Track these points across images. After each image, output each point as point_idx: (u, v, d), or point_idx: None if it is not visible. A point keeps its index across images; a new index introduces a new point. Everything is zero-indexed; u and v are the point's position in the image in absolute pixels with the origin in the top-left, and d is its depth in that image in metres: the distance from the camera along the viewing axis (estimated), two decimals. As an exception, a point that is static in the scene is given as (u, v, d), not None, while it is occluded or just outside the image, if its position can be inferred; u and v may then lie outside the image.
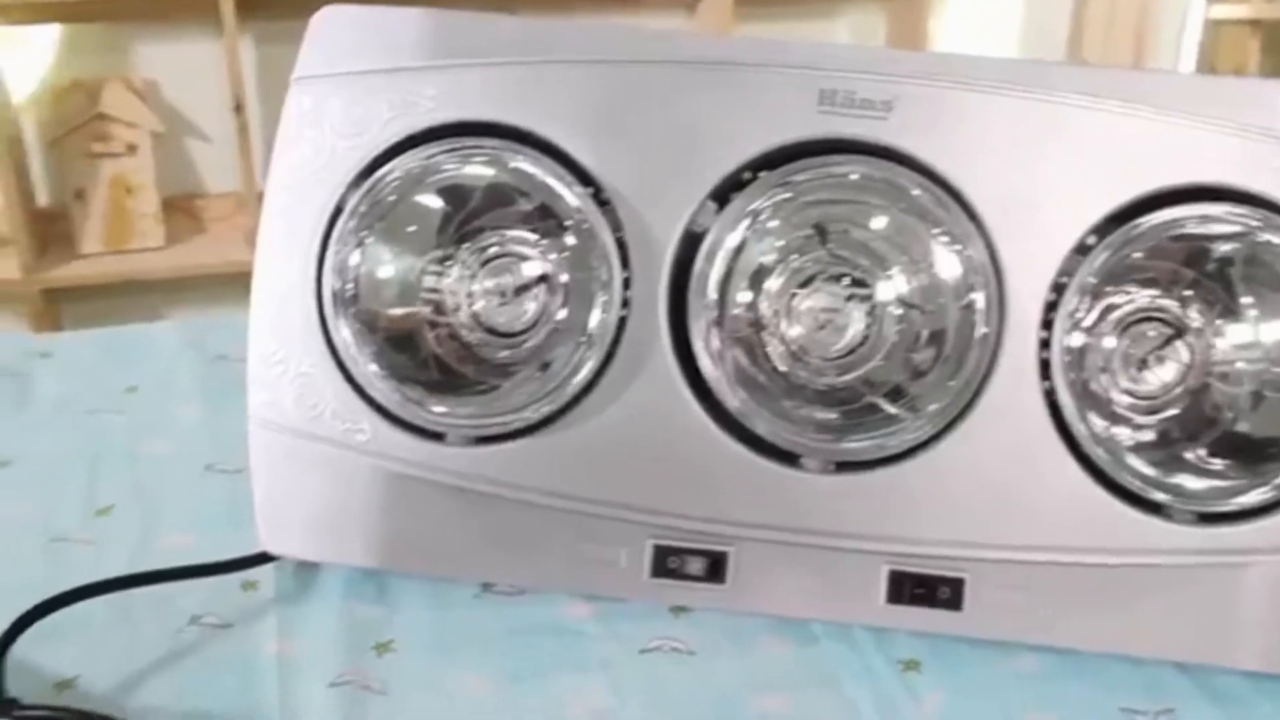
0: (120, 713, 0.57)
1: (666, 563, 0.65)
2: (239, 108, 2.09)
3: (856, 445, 0.63)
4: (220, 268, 2.17)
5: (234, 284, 2.21)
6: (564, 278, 0.65)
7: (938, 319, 0.63)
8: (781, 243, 0.64)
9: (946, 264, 0.62)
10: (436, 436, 0.65)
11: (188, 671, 0.64)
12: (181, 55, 2.19)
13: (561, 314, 0.65)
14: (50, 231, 2.18)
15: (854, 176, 0.63)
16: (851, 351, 0.64)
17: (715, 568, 0.65)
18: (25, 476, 0.79)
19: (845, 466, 0.63)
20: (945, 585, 0.63)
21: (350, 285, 0.64)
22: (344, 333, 0.65)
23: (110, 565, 0.69)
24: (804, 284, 0.64)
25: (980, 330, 0.61)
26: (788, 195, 0.63)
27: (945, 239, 0.62)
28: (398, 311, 0.65)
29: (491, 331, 0.66)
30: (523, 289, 0.66)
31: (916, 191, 0.62)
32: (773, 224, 0.63)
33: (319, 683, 0.63)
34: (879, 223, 0.63)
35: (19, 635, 0.63)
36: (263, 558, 0.68)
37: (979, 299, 0.61)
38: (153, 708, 0.61)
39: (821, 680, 0.63)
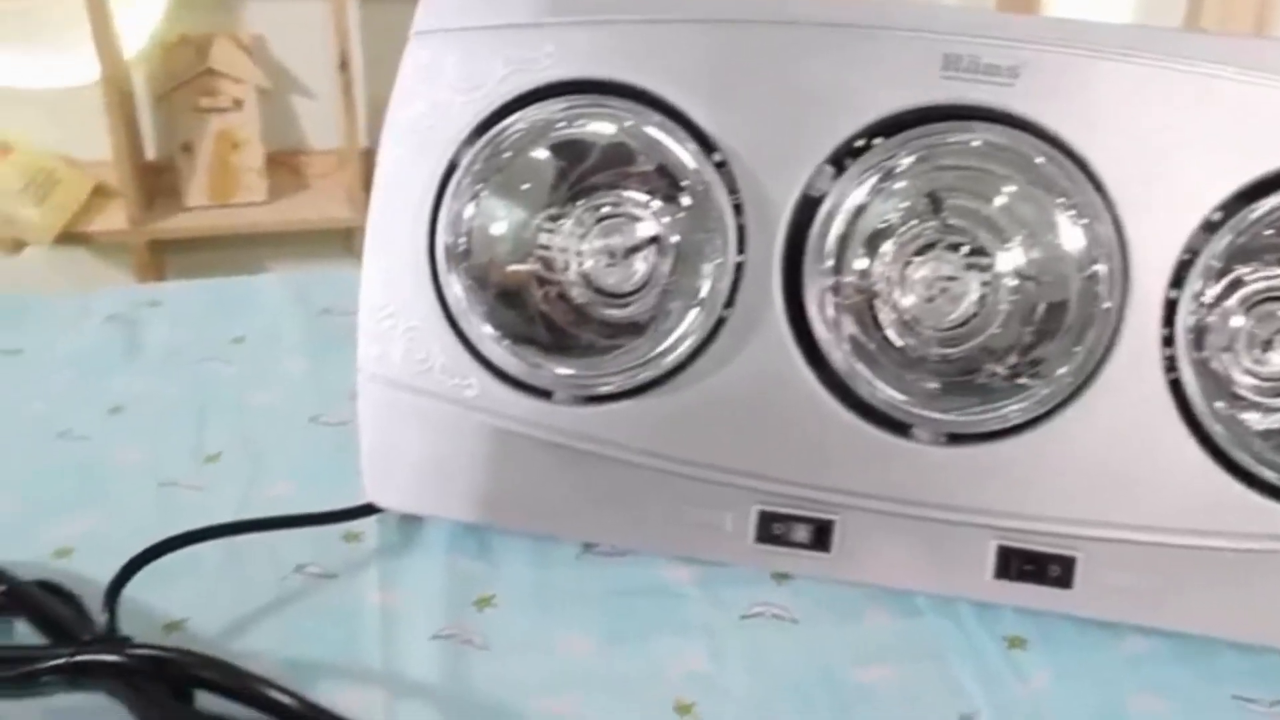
0: (227, 656, 0.58)
1: (771, 529, 0.64)
2: (344, 65, 2.11)
3: (969, 417, 0.62)
4: (321, 223, 2.20)
5: (334, 240, 2.25)
6: (675, 239, 0.65)
7: (1058, 290, 0.61)
8: (899, 210, 0.63)
9: (1070, 236, 0.61)
10: (544, 394, 0.65)
11: (292, 619, 0.64)
12: (289, 12, 2.21)
13: (672, 276, 0.65)
14: (157, 184, 2.22)
15: (976, 144, 0.61)
16: (965, 323, 0.63)
17: (820, 536, 0.64)
18: (136, 422, 0.80)
19: (957, 438, 0.62)
20: (1055, 563, 0.62)
21: (463, 240, 0.65)
22: (455, 288, 0.65)
23: (218, 512, 0.70)
24: (919, 252, 0.63)
25: (1104, 304, 0.60)
26: (907, 161, 0.61)
27: (1070, 210, 0.60)
28: (509, 268, 0.65)
29: (600, 292, 0.66)
30: (633, 250, 0.65)
31: (1041, 160, 0.60)
32: (891, 190, 0.62)
33: (421, 635, 0.63)
34: (1000, 192, 0.62)
35: (131, 577, 0.64)
36: (367, 509, 0.69)
37: (1103, 271, 0.60)
38: (258, 652, 0.61)
39: (925, 654, 0.63)
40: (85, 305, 0.94)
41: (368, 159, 2.19)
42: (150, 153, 2.24)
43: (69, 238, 2.16)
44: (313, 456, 0.77)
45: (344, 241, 2.24)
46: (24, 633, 0.62)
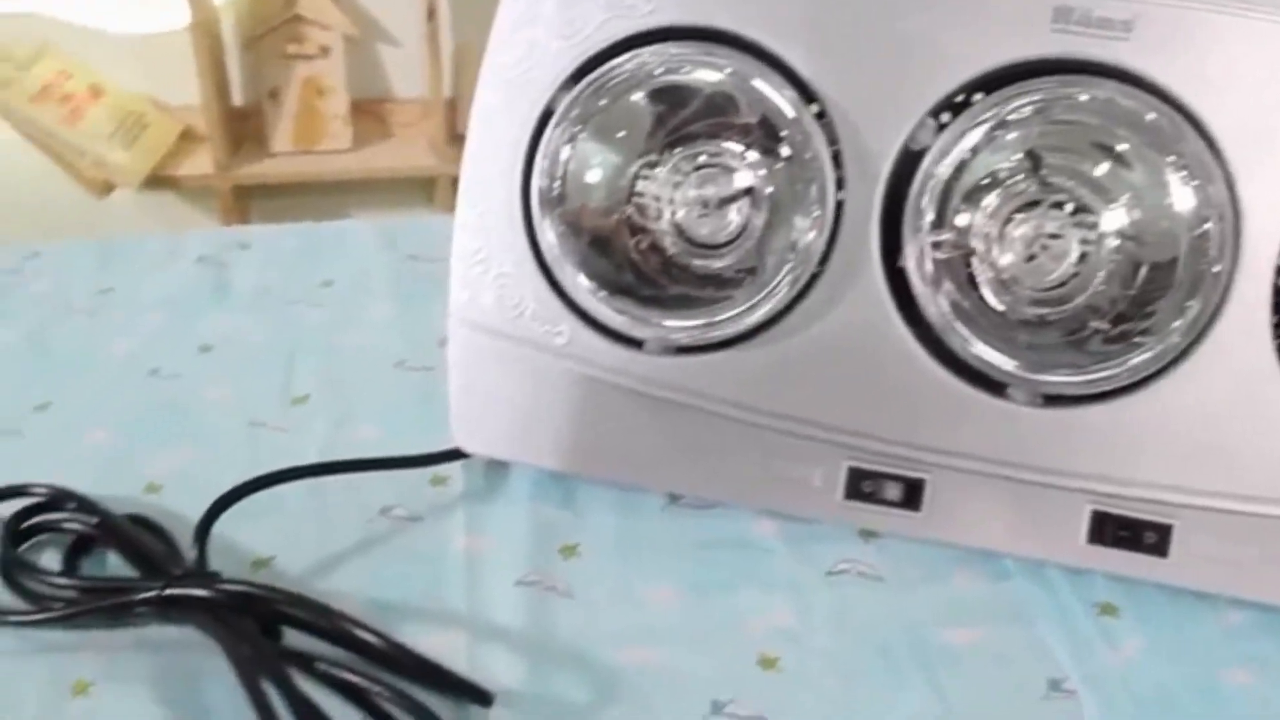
0: (313, 595, 0.58)
1: (861, 486, 0.63)
2: (431, 13, 2.10)
3: (1067, 379, 0.60)
4: (404, 172, 2.21)
5: (416, 189, 2.26)
6: (771, 190, 0.64)
7: (1164, 250, 0.59)
8: (1002, 166, 0.61)
9: (1180, 196, 0.59)
10: (635, 343, 0.64)
11: (377, 560, 0.65)
12: (376, -41, 2.22)
13: (767, 228, 0.64)
14: (243, 129, 2.23)
15: (1085, 99, 0.59)
16: (1063, 283, 0.61)
17: (911, 494, 0.63)
18: (225, 362, 0.81)
19: (1054, 400, 0.61)
20: (1152, 530, 0.61)
21: (557, 185, 0.64)
22: (548, 234, 0.64)
23: (304, 453, 0.71)
24: (1020, 210, 0.61)
25: (1214, 268, 0.58)
26: (1014, 117, 0.60)
27: (1181, 171, 0.58)
28: (603, 215, 0.65)
29: (692, 243, 0.65)
30: (727, 201, 0.64)
31: (1152, 117, 0.58)
32: (995, 146, 0.60)
33: (505, 581, 0.63)
34: (1108, 149, 0.60)
35: (220, 514, 0.64)
36: (454, 454, 0.69)
37: (1214, 231, 0.58)
38: (343, 592, 0.62)
39: (1013, 617, 0.62)
40: (175, 247, 0.95)
41: (452, 109, 2.19)
42: (237, 98, 2.25)
43: (156, 181, 2.19)
44: (398, 401, 0.77)
45: (426, 191, 2.24)
46: (116, 565, 0.63)
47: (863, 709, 0.57)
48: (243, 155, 2.21)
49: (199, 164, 2.19)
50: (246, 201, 2.25)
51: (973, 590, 0.63)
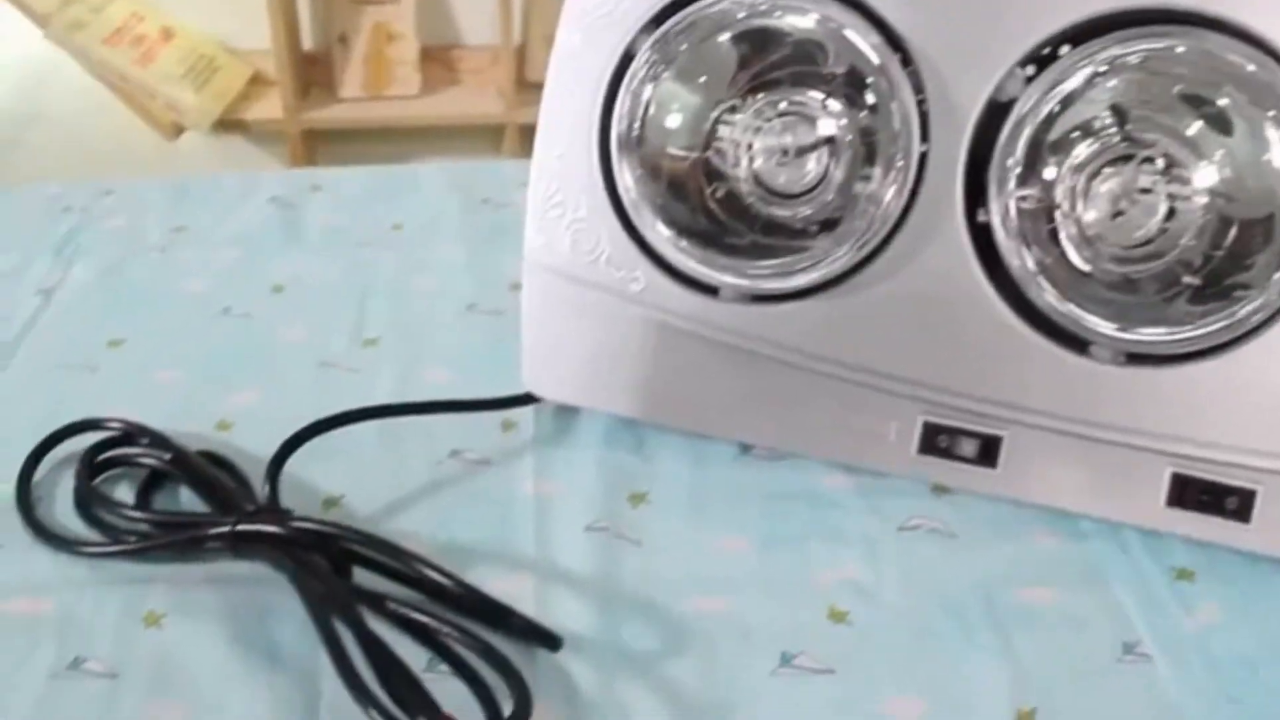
0: (382, 534, 0.59)
1: (937, 441, 0.63)
2: (501, -40, 2.09)
3: (1152, 338, 0.59)
4: (472, 119, 2.21)
5: (484, 136, 2.26)
6: (851, 140, 0.62)
7: (1258, 208, 0.58)
8: (1090, 120, 0.59)
9: (1280, 151, 0.57)
10: (710, 291, 0.64)
11: (447, 502, 0.65)
12: (449, -96, 2.21)
13: (849, 178, 0.63)
14: (313, 74, 2.24)
15: (1181, 50, 0.58)
16: (1150, 241, 0.60)
17: (987, 451, 0.62)
18: (297, 303, 0.81)
19: (1137, 359, 0.59)
20: (1234, 495, 0.59)
21: (637, 128, 0.63)
22: (626, 179, 0.64)
23: (375, 394, 0.71)
24: (1108, 165, 0.60)
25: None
26: (1105, 68, 0.58)
27: (1282, 124, 0.57)
28: (681, 160, 0.64)
29: (770, 191, 0.64)
30: (806, 150, 0.63)
31: (1252, 69, 0.57)
32: (1085, 98, 0.59)
33: (574, 527, 0.63)
34: (1203, 103, 0.59)
35: (292, 452, 0.65)
36: (526, 399, 0.69)
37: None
38: (412, 533, 0.62)
39: (1088, 579, 0.61)
40: (248, 187, 0.95)
41: (521, 56, 2.18)
42: (307, 43, 2.25)
43: (225, 125, 2.20)
44: (468, 344, 0.77)
45: (493, 139, 2.24)
46: (189, 500, 0.64)
47: (933, 666, 0.56)
48: (311, 100, 2.22)
49: (268, 108, 2.20)
50: (314, 146, 2.25)
51: (1047, 550, 0.63)
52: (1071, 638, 0.58)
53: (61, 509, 0.64)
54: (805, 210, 0.64)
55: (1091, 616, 0.59)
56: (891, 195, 0.61)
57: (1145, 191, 0.59)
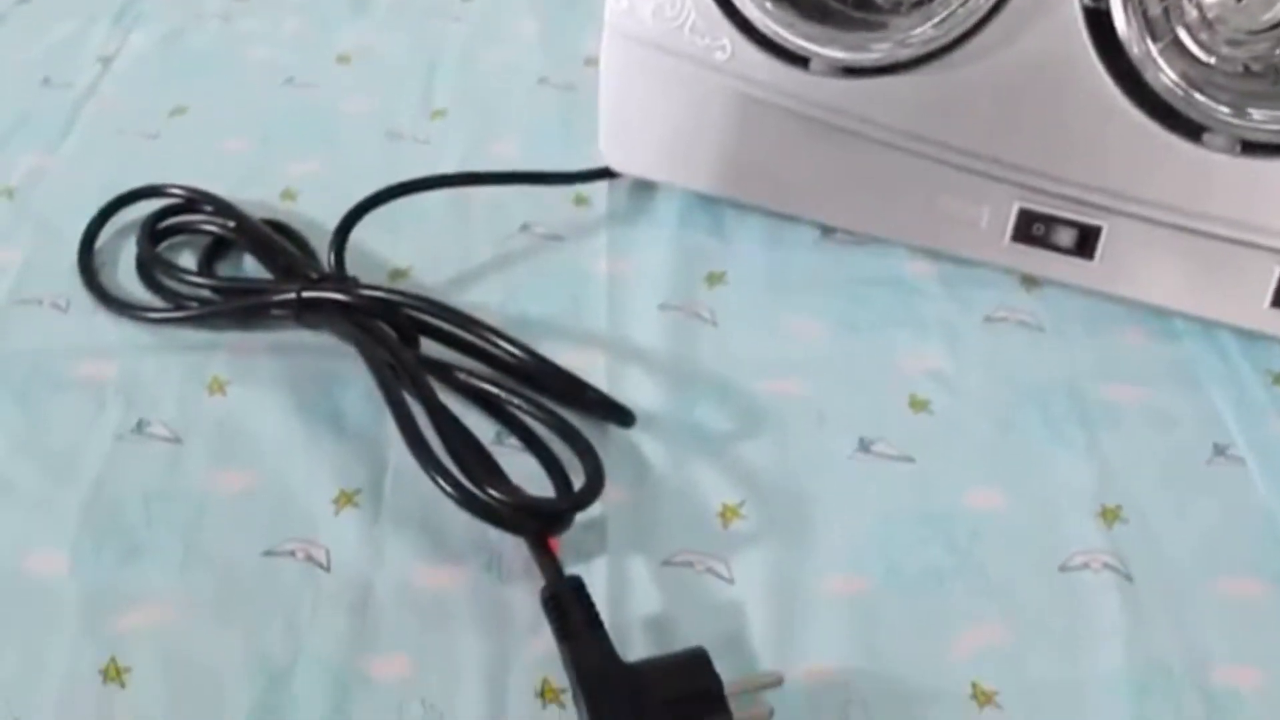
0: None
1: (1031, 229, 0.59)
2: None
3: (1273, 125, 0.55)
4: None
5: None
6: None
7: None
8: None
9: None
10: (800, 62, 0.60)
11: (517, 276, 0.63)
12: None
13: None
14: None
15: None
16: (1276, 25, 0.56)
17: (1085, 241, 0.59)
18: (363, 74, 0.79)
19: (1254, 148, 0.56)
20: (1344, 297, 0.56)
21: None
22: (714, -62, 0.60)
23: (443, 165, 0.69)
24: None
25: None
26: None
27: None
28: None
29: None
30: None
31: None
32: None
33: (648, 304, 0.61)
34: None
35: (358, 220, 0.63)
36: (601, 173, 0.66)
37: None
38: (482, 305, 0.60)
39: (1180, 379, 0.58)
40: (312, -45, 0.91)
41: None
42: None
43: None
44: (539, 118, 0.74)
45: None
46: (252, 268, 0.63)
47: (1014, 459, 0.54)
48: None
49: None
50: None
51: (1139, 348, 0.60)
52: (1160, 437, 0.56)
53: (124, 275, 0.63)
54: None
55: (1182, 417, 0.57)
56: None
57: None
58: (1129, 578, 0.50)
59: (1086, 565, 0.50)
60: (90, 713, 0.44)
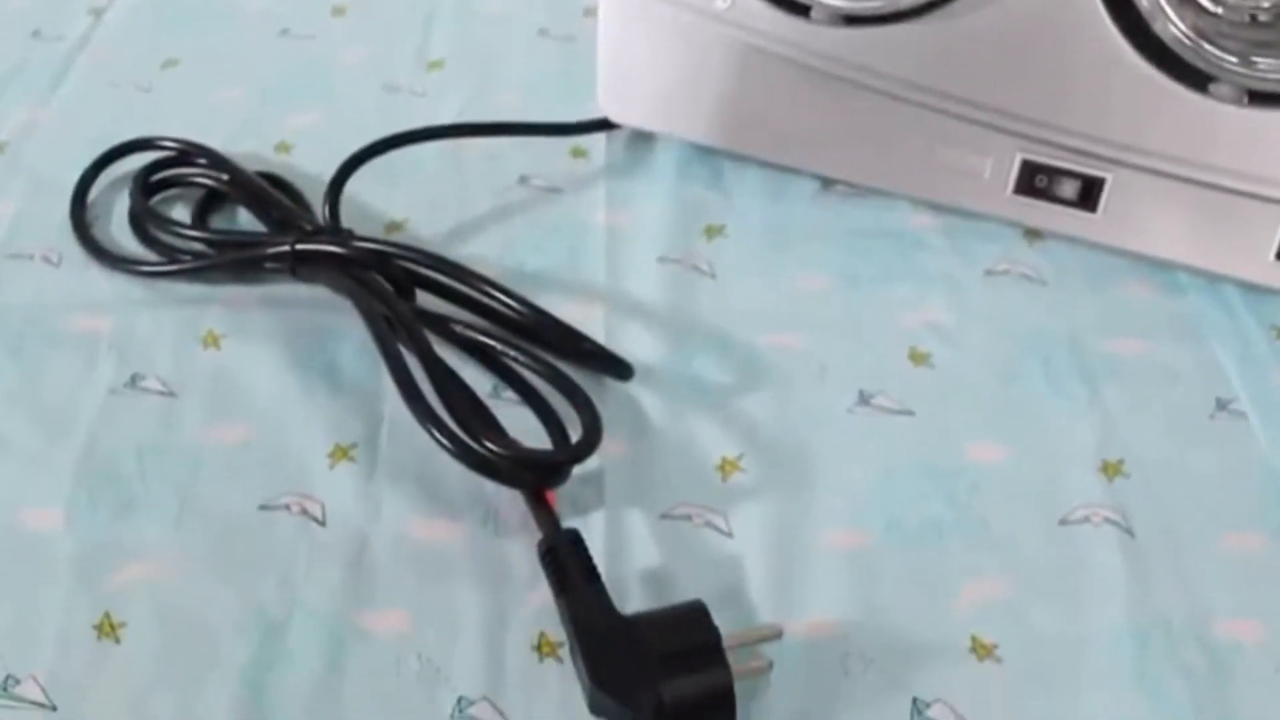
0: (448, 258, 0.57)
1: (1034, 181, 0.59)
2: None
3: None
4: None
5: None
6: None
7: None
8: None
9: None
10: (801, 10, 0.59)
11: (514, 229, 0.62)
12: None
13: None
14: None
15: None
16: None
17: (1088, 193, 0.58)
18: (359, 25, 0.77)
19: (1262, 99, 0.55)
20: (1350, 249, 0.56)
21: None
22: (714, -118, 0.59)
23: (440, 117, 0.68)
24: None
25: None
26: None
27: None
28: None
29: None
30: None
31: None
32: None
33: (647, 257, 0.61)
34: None
35: (353, 171, 0.62)
36: (600, 124, 0.66)
37: None
38: (479, 257, 0.60)
39: (1184, 333, 0.58)
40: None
41: None
42: None
43: None
44: (539, 70, 0.73)
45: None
46: (247, 222, 0.62)
47: (1015, 412, 0.54)
48: None
49: None
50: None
51: (1142, 301, 0.59)
52: (1162, 391, 0.55)
53: (117, 229, 0.62)
54: None
55: (1185, 371, 0.56)
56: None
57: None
58: (1130, 531, 0.49)
59: (1087, 519, 0.50)
60: (85, 668, 0.44)
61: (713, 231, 0.62)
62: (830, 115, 0.61)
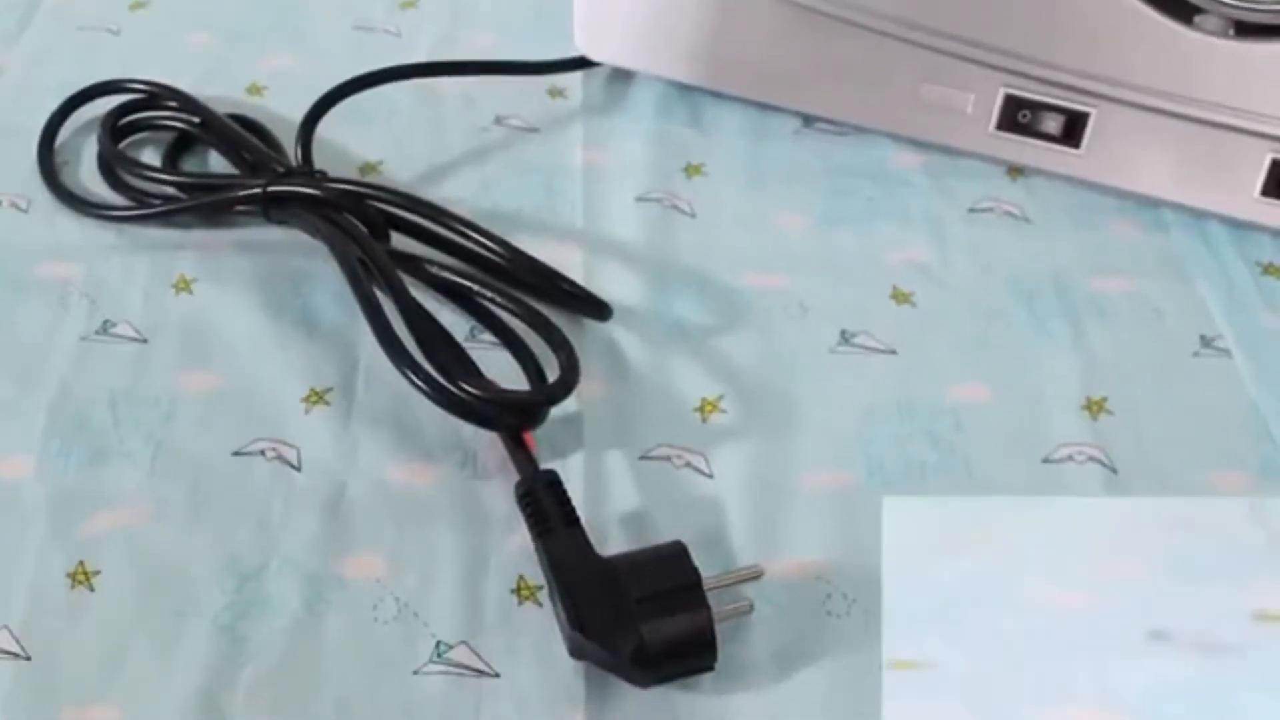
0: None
1: (1017, 116, 0.58)
2: None
3: (1267, 6, 0.53)
4: None
5: None
6: None
7: None
8: None
9: None
10: (782, -56, 0.58)
11: (491, 169, 0.61)
12: None
13: None
14: None
15: None
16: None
17: (1072, 128, 0.58)
18: (330, -36, 0.76)
19: (1249, 30, 0.54)
20: (1336, 184, 0.55)
21: None
22: None
23: (415, 57, 0.67)
24: None
25: None
26: None
27: None
28: None
29: None
30: None
31: None
32: None
33: (625, 196, 0.60)
34: None
35: (326, 111, 0.61)
36: (577, 63, 0.64)
37: None
38: (455, 199, 0.59)
39: (1168, 270, 0.57)
40: None
41: None
42: None
43: None
44: (514, 10, 0.72)
45: None
46: (219, 165, 0.61)
47: (999, 351, 0.54)
48: None
49: None
50: None
51: (1126, 239, 0.59)
52: (1146, 329, 0.55)
53: (87, 174, 0.61)
54: None
55: (1169, 308, 0.56)
56: None
57: None
58: (1113, 470, 0.49)
59: (1071, 458, 0.50)
60: (59, 617, 0.44)
61: (692, 170, 0.61)
62: (811, 51, 0.59)
